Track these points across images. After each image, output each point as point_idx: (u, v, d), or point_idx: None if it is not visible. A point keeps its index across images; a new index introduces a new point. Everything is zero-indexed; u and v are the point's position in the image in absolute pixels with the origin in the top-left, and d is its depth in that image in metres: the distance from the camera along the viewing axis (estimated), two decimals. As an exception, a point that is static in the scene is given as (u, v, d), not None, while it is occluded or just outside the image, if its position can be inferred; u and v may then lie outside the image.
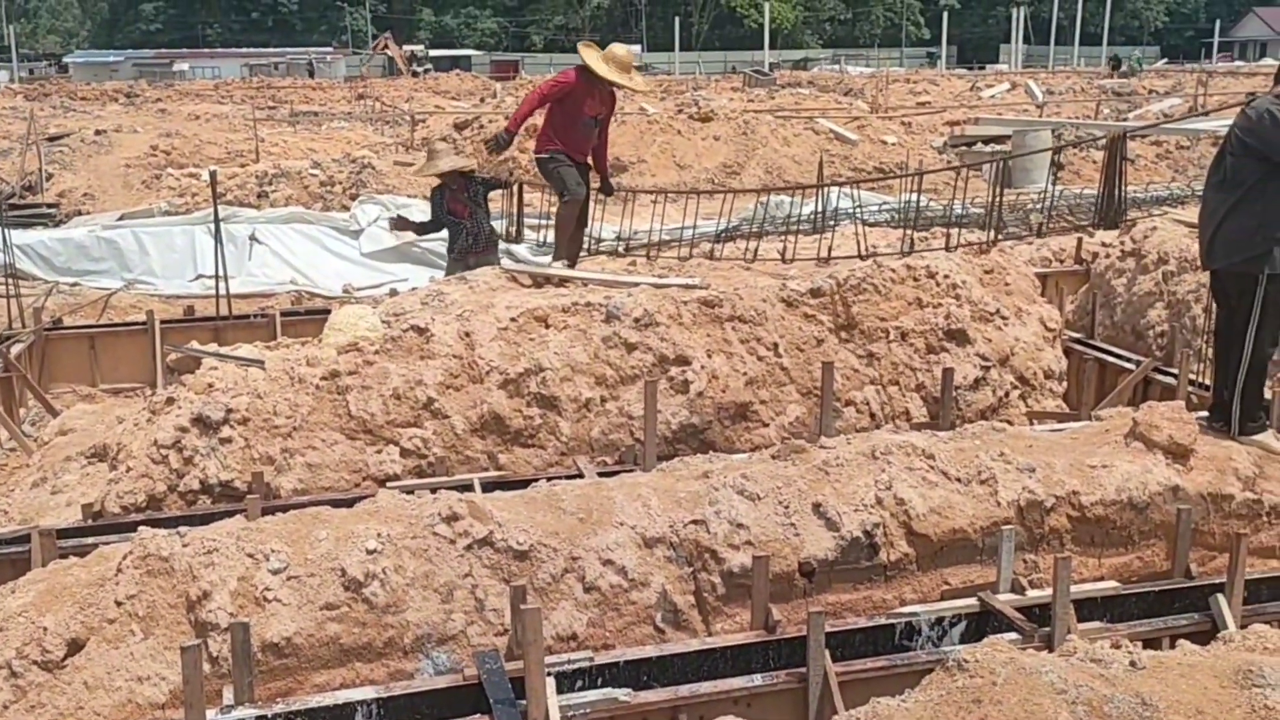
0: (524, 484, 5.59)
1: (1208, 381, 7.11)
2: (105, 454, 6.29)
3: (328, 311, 8.61)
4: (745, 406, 6.62)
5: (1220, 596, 4.36)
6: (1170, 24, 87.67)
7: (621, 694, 3.92)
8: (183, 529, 4.43)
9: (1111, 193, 6.75)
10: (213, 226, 9.90)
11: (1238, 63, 65.76)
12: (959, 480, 5.03)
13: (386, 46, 54.89)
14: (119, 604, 4.20)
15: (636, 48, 77.32)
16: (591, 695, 3.92)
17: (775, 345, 6.78)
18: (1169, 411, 5.29)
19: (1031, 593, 4.52)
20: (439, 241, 12.07)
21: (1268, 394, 6.74)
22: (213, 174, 9.62)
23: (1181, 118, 23.38)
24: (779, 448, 5.29)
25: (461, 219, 8.99)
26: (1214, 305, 6.05)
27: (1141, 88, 33.05)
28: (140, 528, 4.46)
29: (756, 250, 7.92)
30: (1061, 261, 11.05)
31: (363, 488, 5.97)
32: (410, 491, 5.01)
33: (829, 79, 44.56)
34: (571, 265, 8.15)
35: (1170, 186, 15.89)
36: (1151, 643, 4.31)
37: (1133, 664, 3.41)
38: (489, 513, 4.64)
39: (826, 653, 3.99)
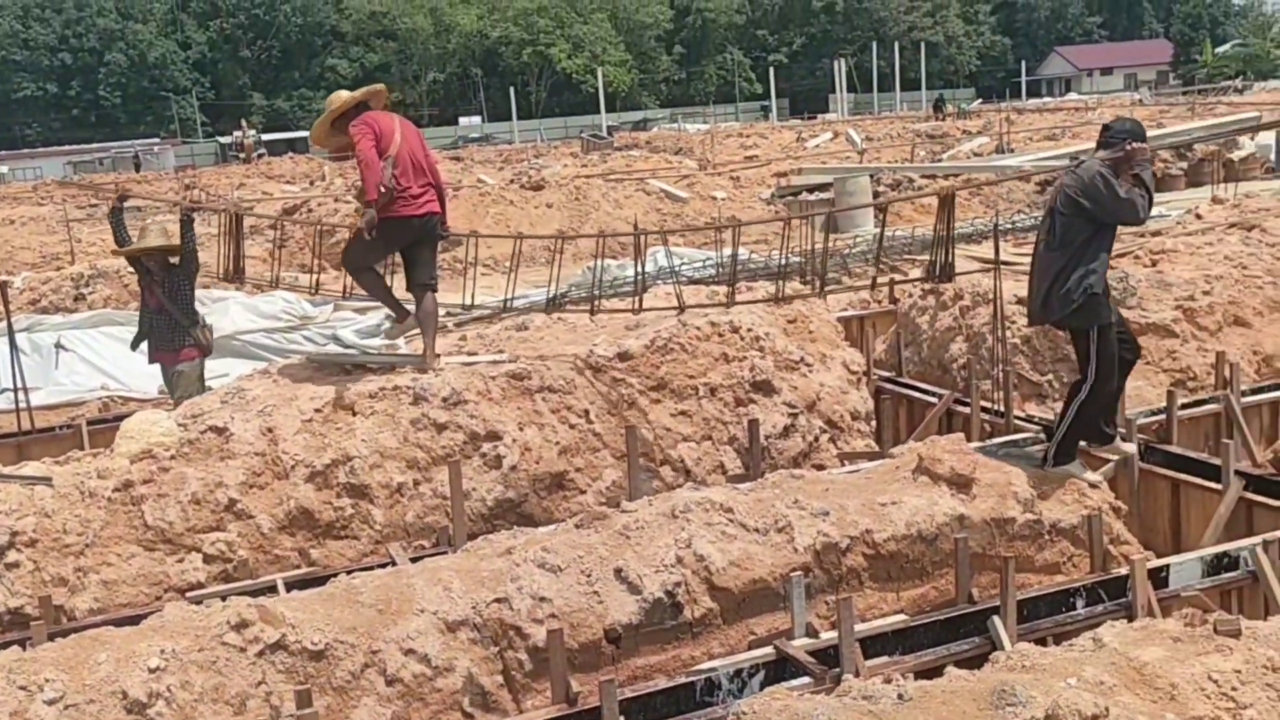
0: (327, 579, 5.50)
1: (1001, 408, 7.49)
2: (-117, 591, 5.91)
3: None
4: (561, 476, 6.65)
5: (996, 619, 4.56)
6: (982, 66, 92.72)
7: (416, 788, 3.86)
8: (-54, 668, 4.20)
9: (945, 249, 7.01)
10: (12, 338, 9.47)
11: (1045, 99, 70.10)
12: (757, 530, 5.15)
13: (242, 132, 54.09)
14: (-124, 756, 3.95)
15: (476, 119, 77.75)
16: (384, 793, 3.84)
17: (586, 412, 6.85)
18: (949, 444, 5.55)
19: (825, 634, 4.64)
20: (261, 334, 11.84)
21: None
22: (2, 284, 9.23)
23: (983, 164, 24.71)
24: (581, 516, 5.34)
25: (147, 305, 8.18)
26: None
27: (955, 129, 34.82)
28: (-100, 670, 4.20)
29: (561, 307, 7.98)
30: (879, 303, 11.50)
31: (164, 599, 5.76)
32: (200, 601, 4.86)
33: (667, 138, 45.62)
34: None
35: (974, 223, 16.71)
36: (937, 670, 4.46)
37: (900, 697, 3.53)
38: (281, 615, 4.53)
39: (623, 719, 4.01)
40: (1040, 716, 3.28)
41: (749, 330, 7.44)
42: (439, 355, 7.06)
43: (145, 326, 8.25)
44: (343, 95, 7.25)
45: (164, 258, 8.18)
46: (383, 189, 6.67)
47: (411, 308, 7.31)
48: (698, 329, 7.41)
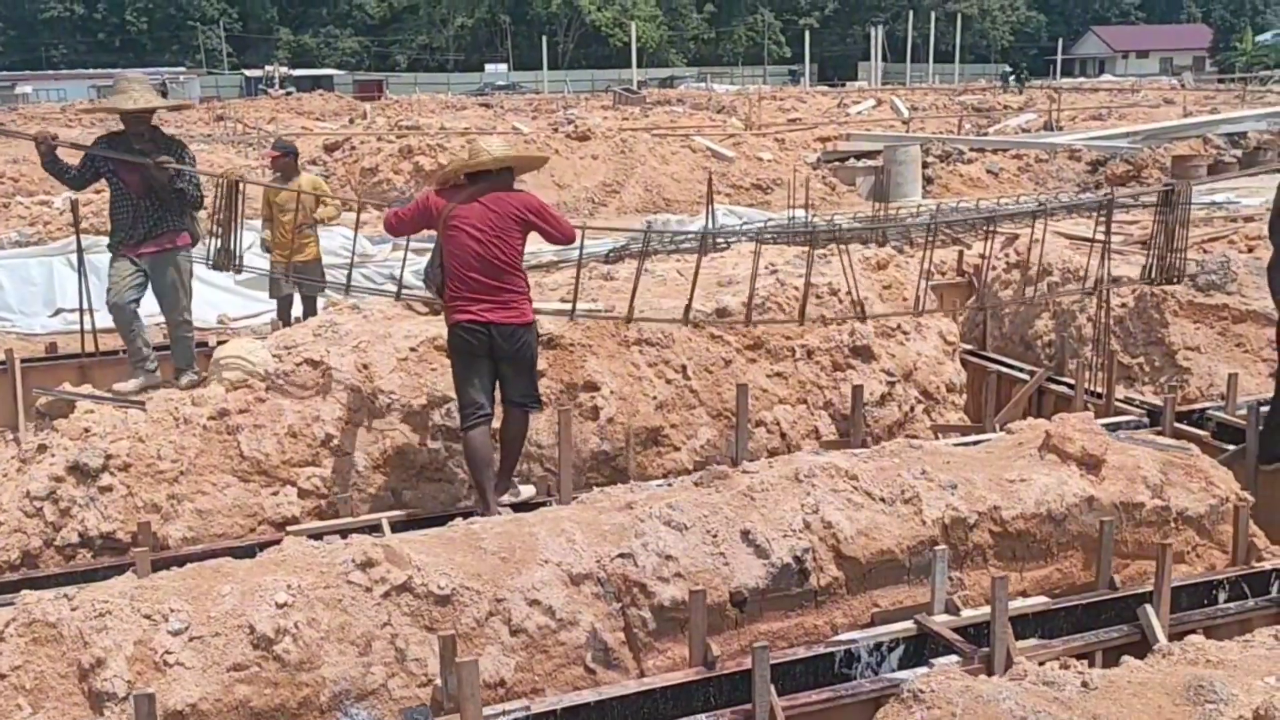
0: (434, 521, 5.36)
1: (1100, 389, 7.30)
2: (-31, 508, 5.78)
3: (203, 345, 8.15)
4: (656, 431, 6.49)
5: (1149, 607, 4.40)
6: (1015, 43, 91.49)
7: (562, 744, 3.72)
8: (70, 591, 4.06)
9: (1171, 249, 6.43)
10: (72, 258, 9.31)
11: (1079, 79, 69.20)
12: (883, 500, 4.98)
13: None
14: (3, 676, 3.82)
15: (503, 66, 77.02)
16: (531, 748, 3.71)
17: (684, 367, 6.67)
18: (1080, 423, 5.36)
19: (966, 612, 4.49)
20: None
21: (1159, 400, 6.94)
22: (74, 202, 9.05)
23: (1034, 140, 24.33)
24: (701, 474, 5.16)
25: (132, 193, 6.47)
26: None
27: (997, 103, 34.32)
28: (23, 591, 4.07)
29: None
30: (943, 274, 11.28)
31: (259, 533, 5.64)
32: (318, 536, 4.72)
33: (697, 96, 45.07)
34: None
35: (1039, 198, 16.43)
36: (1084, 657, 4.31)
37: (1085, 684, 3.39)
38: (406, 556, 4.38)
39: (772, 688, 3.87)
40: (1249, 716, 3.12)
41: (848, 294, 7.24)
42: (514, 485, 5.83)
43: (127, 219, 6.54)
44: (490, 152, 5.74)
45: (155, 128, 6.67)
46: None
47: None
48: (795, 288, 7.20)
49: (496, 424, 5.76)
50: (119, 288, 6.54)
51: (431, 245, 6.96)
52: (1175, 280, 6.43)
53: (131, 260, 6.58)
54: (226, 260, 6.50)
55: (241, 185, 6.55)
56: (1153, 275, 6.48)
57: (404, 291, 6.57)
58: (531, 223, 5.71)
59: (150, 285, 6.72)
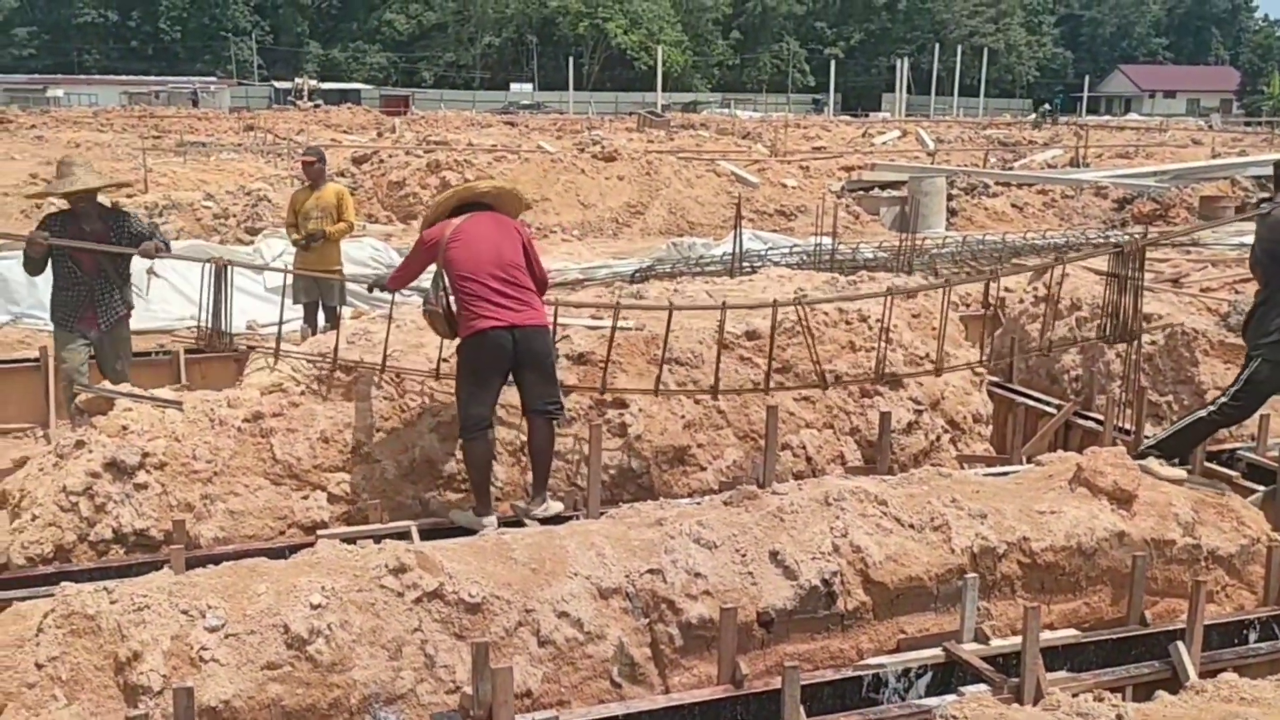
0: (460, 531, 5.40)
1: (1129, 426, 7.30)
2: (4, 501, 5.84)
3: (235, 351, 8.22)
4: (683, 450, 6.51)
5: (1180, 644, 4.39)
6: (1040, 79, 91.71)
7: (591, 756, 3.74)
8: (109, 584, 4.10)
9: (1133, 304, 6.39)
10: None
11: (1105, 117, 69.22)
12: (912, 527, 4.99)
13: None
14: (40, 667, 3.86)
15: (528, 86, 77.49)
16: (561, 759, 3.73)
17: (712, 387, 6.69)
18: (1112, 457, 5.36)
19: (995, 641, 4.49)
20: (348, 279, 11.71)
21: None
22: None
23: (1059, 175, 24.30)
24: (730, 494, 5.18)
25: (82, 268, 6.86)
26: None
27: (1023, 138, 34.37)
28: (63, 583, 4.12)
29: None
30: (968, 306, 11.30)
31: (288, 535, 5.68)
32: (351, 541, 4.76)
33: (721, 122, 45.29)
34: None
35: (1067, 234, 16.44)
36: (1115, 691, 4.30)
37: (1119, 718, 3.38)
38: (438, 563, 4.42)
39: (802, 708, 3.88)
40: (1285, 751, 3.12)
41: (878, 321, 7.26)
42: (545, 502, 5.76)
43: (79, 296, 6.91)
44: (477, 187, 6.18)
45: (99, 204, 7.04)
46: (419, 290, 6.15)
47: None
48: (825, 314, 7.24)
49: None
50: (76, 376, 6.88)
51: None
52: (1130, 340, 6.48)
53: (81, 334, 7.00)
54: (218, 340, 6.64)
55: (229, 269, 6.64)
56: (1108, 334, 6.56)
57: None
58: (526, 244, 5.96)
59: (95, 355, 7.11)
